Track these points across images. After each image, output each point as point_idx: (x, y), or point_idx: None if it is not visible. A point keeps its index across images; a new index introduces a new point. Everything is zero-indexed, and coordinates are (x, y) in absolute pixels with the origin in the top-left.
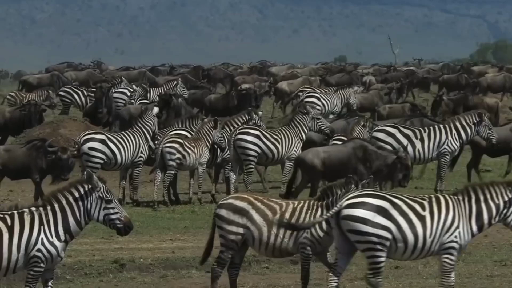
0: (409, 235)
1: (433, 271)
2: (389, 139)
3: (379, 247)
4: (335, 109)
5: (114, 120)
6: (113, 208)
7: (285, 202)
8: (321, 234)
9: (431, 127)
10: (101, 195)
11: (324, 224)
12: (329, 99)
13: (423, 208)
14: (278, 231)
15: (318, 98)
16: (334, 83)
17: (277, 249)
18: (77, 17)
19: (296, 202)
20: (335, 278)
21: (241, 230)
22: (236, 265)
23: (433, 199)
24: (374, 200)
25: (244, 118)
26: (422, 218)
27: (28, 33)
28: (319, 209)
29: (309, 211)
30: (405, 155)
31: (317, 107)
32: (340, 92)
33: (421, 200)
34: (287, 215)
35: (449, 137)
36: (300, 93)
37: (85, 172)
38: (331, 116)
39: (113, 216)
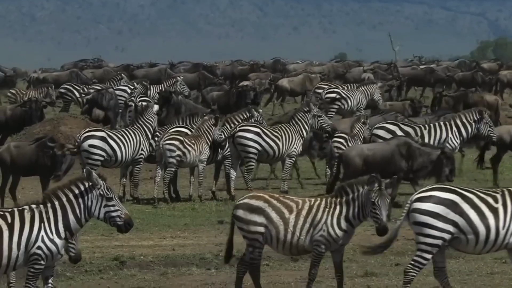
0: (480, 227)
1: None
2: (389, 136)
3: (437, 242)
4: (359, 105)
5: (116, 117)
6: (113, 205)
7: (301, 200)
8: (338, 232)
9: (431, 125)
10: (101, 192)
11: (343, 222)
12: (352, 95)
13: (496, 201)
14: (295, 229)
15: (339, 94)
16: (353, 80)
17: (294, 247)
18: (77, 15)
19: (313, 200)
20: (441, 273)
21: (260, 229)
22: (246, 262)
23: (506, 192)
24: (443, 193)
25: (245, 115)
26: (494, 210)
27: (28, 30)
28: (337, 207)
29: (327, 209)
30: (450, 150)
31: (339, 103)
32: (363, 88)
33: (493, 193)
34: (303, 213)
35: (450, 134)
36: (319, 90)
37: (84, 170)
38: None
39: (113, 214)
